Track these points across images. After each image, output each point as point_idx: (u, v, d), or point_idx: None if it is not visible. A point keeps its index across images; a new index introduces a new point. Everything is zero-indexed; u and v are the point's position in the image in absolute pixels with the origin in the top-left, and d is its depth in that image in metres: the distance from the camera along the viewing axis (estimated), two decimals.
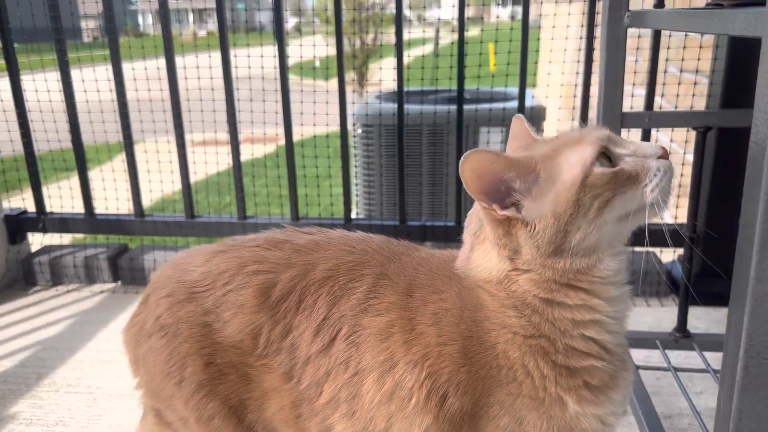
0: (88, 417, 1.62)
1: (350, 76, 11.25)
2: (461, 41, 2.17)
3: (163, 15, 2.20)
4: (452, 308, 0.84)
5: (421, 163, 3.77)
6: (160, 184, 2.55)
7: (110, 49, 2.22)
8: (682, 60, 2.05)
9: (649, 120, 1.41)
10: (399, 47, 2.17)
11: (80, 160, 2.36)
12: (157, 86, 2.35)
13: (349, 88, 2.39)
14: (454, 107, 2.40)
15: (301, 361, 0.89)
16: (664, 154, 0.81)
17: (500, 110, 3.63)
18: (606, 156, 0.79)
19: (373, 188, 3.80)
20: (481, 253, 0.85)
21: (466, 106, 4.25)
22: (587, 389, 0.81)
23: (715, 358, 1.56)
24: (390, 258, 0.93)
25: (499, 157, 0.78)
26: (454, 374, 0.81)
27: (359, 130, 4.12)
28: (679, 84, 2.22)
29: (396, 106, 2.26)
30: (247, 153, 2.52)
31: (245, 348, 0.92)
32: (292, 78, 3.56)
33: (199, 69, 2.49)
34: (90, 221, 2.39)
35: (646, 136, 1.93)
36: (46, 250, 2.47)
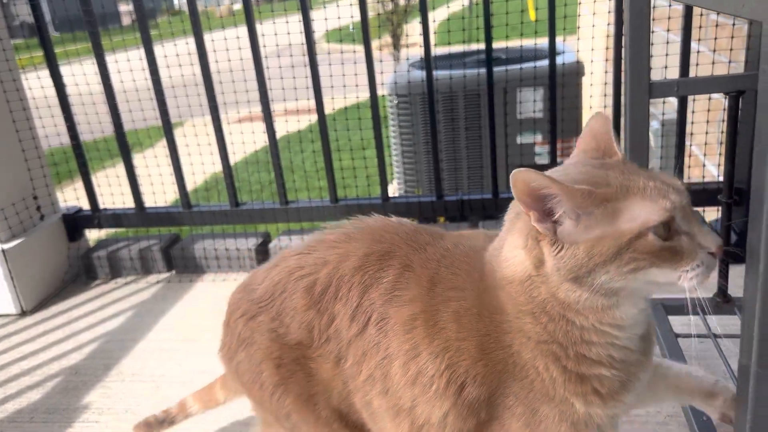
0: (153, 404, 1.74)
1: (385, 40, 11.06)
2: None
3: None
4: (472, 307, 0.89)
5: (459, 130, 3.74)
6: (201, 166, 2.63)
7: (140, 32, 2.27)
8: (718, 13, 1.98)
9: (679, 88, 1.38)
10: (424, 12, 2.16)
11: (126, 157, 2.46)
12: (193, 66, 2.40)
13: (384, 52, 2.34)
14: (485, 70, 2.38)
15: (345, 344, 0.98)
16: (718, 253, 0.78)
17: (532, 70, 3.54)
18: (666, 226, 0.76)
19: (412, 160, 3.80)
20: (511, 244, 0.86)
21: (498, 68, 4.17)
22: (595, 395, 0.85)
23: None
24: (416, 249, 0.99)
25: (554, 184, 0.76)
26: (472, 367, 0.87)
27: (395, 101, 4.10)
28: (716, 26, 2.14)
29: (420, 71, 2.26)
30: (284, 127, 2.54)
31: (305, 343, 1.02)
32: (329, 46, 3.52)
33: (232, 41, 2.47)
34: (141, 215, 2.50)
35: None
36: (103, 244, 2.60)
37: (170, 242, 2.55)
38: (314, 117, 2.31)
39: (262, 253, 2.45)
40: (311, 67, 2.25)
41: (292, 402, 1.04)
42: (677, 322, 1.64)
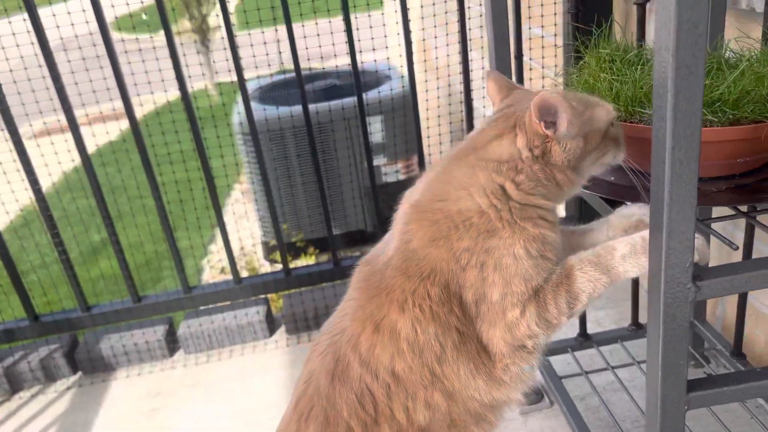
0: None
1: (183, 25, 10.47)
2: None
3: None
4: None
5: (311, 166, 3.89)
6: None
7: None
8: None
9: None
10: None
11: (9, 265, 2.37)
12: None
13: (189, 40, 2.08)
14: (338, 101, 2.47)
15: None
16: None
17: (388, 97, 3.76)
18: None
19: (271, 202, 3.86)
20: (509, 139, 1.08)
21: (346, 99, 4.37)
22: (543, 220, 1.09)
23: (608, 350, 2.06)
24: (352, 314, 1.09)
25: (569, 106, 1.04)
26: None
27: (242, 141, 4.02)
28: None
29: (274, 108, 2.31)
30: (90, 138, 2.27)
31: None
32: (124, 36, 3.00)
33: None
34: (36, 326, 2.43)
35: None
36: None
37: (72, 345, 2.52)
38: (117, 126, 2.07)
39: (172, 342, 2.54)
40: (111, 62, 2.05)
41: None
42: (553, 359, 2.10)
